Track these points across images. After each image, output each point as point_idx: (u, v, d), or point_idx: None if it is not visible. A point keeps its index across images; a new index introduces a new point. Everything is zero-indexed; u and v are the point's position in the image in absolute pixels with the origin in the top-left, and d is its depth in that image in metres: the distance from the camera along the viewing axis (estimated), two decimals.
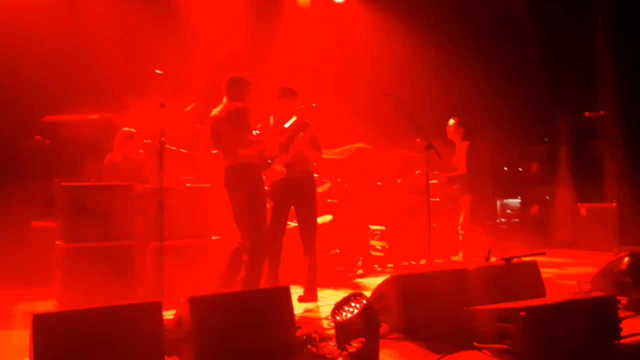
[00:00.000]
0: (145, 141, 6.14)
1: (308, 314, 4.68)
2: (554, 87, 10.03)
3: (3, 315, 4.96)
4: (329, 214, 7.00)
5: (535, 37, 10.28)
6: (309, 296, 5.27)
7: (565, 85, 9.86)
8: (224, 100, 4.84)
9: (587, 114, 6.69)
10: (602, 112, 6.64)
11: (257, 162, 4.83)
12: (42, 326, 2.81)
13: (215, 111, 4.83)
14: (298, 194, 5.39)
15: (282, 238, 5.39)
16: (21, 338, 3.87)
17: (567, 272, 6.68)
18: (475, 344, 3.51)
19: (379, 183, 7.71)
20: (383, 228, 7.50)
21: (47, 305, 5.25)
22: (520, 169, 7.31)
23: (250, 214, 4.68)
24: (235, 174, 4.70)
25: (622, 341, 3.50)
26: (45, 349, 2.78)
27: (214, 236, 5.79)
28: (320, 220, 6.24)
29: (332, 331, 3.56)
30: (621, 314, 3.59)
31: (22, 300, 5.54)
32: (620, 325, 3.50)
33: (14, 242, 5.95)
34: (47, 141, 6.41)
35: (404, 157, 8.38)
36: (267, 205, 5.18)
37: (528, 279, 4.47)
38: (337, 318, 3.45)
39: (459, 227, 6.62)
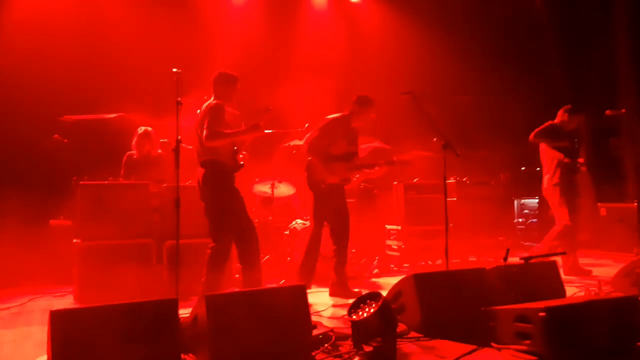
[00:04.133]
0: (162, 140, 6.17)
1: (324, 313, 4.66)
2: (573, 84, 9.88)
3: (22, 311, 5.02)
4: None
5: (555, 35, 10.16)
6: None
7: (586, 83, 9.71)
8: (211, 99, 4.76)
9: (607, 112, 6.55)
10: (623, 110, 6.50)
11: (230, 162, 4.68)
12: (60, 322, 2.82)
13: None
14: (341, 195, 5.71)
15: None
16: (39, 334, 3.93)
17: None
18: (494, 344, 3.46)
19: (395, 182, 7.68)
20: (399, 227, 7.45)
21: (64, 303, 5.31)
22: (539, 169, 7.21)
23: (212, 214, 4.61)
24: (205, 171, 4.62)
25: None
26: (63, 345, 2.79)
27: None
28: None
29: (349, 330, 3.53)
30: None
31: (40, 297, 5.61)
32: None
33: (32, 240, 6.03)
34: (66, 140, 6.46)
35: (421, 156, 8.32)
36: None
37: (547, 279, 4.41)
38: (354, 317, 3.43)
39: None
